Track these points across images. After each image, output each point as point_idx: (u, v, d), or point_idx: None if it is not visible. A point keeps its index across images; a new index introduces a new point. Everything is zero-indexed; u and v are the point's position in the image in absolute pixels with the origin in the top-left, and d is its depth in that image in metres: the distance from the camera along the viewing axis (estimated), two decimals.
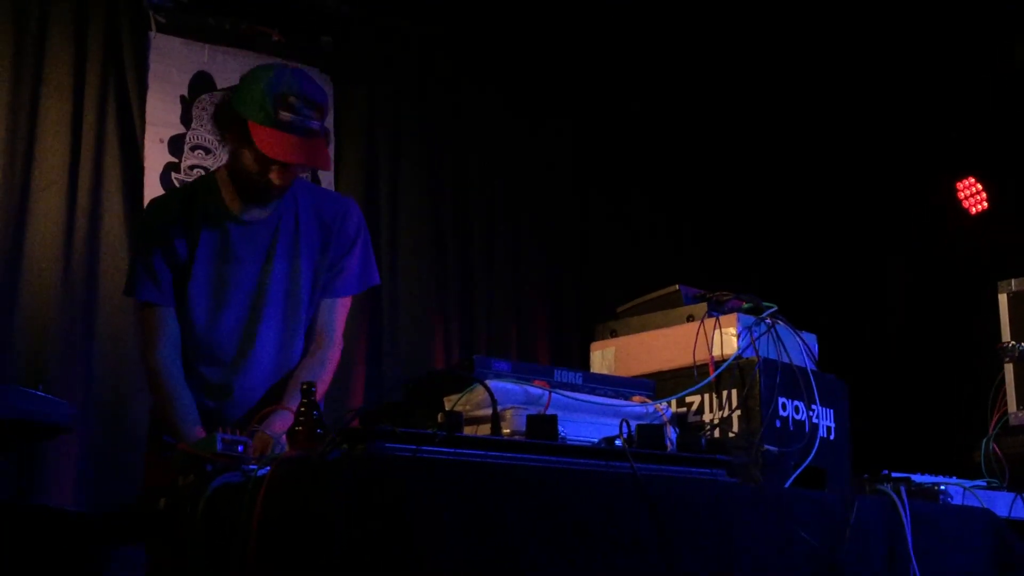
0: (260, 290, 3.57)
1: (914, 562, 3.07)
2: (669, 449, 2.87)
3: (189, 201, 3.59)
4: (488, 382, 2.72)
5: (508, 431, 2.67)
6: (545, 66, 7.09)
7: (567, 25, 6.94)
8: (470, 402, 2.74)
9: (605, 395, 2.99)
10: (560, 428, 2.69)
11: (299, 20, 6.39)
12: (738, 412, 3.21)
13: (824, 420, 3.35)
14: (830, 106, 7.35)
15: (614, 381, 3.10)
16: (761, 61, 7.23)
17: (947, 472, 3.82)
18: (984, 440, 4.20)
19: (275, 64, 3.81)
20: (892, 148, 7.28)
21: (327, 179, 6.35)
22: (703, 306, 3.41)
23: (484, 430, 2.68)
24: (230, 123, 3.48)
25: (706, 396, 3.27)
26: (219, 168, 3.69)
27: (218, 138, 3.64)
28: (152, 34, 5.94)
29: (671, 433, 2.95)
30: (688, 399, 3.29)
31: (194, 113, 6.02)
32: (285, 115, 3.38)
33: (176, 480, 2.77)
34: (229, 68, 6.16)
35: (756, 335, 3.31)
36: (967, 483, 3.74)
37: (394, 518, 2.31)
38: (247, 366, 3.59)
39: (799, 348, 3.40)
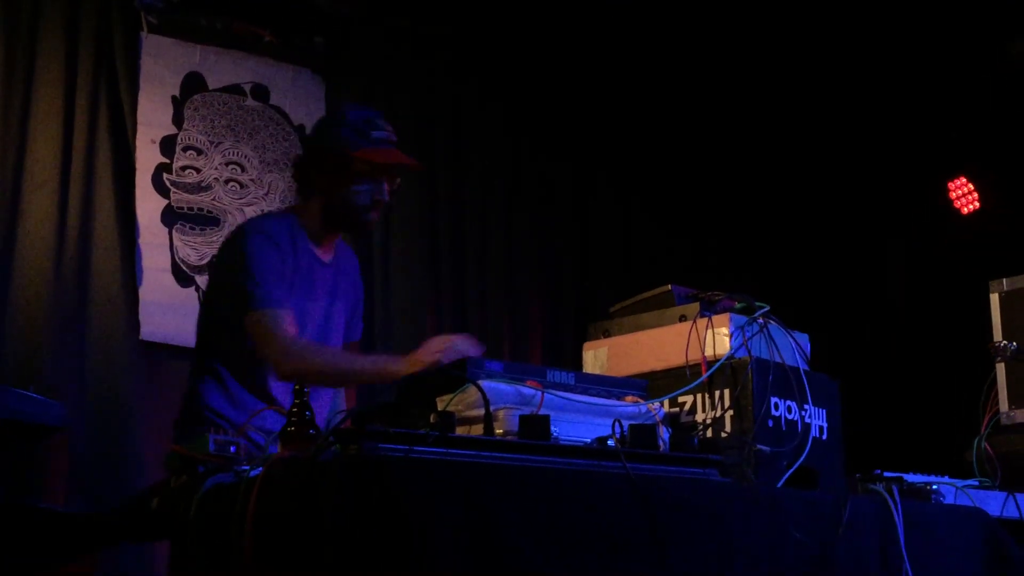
0: (325, 327, 3.86)
1: (906, 561, 3.07)
2: (662, 449, 2.87)
3: (288, 238, 3.81)
4: (480, 382, 2.72)
5: (501, 431, 2.67)
6: (543, 67, 7.09)
7: (567, 25, 6.95)
8: (463, 402, 2.73)
9: (598, 395, 2.99)
10: (553, 428, 2.69)
11: (292, 21, 6.38)
12: (730, 412, 3.21)
13: (816, 420, 3.35)
14: (822, 106, 7.36)
15: (607, 381, 3.09)
16: (756, 62, 7.24)
17: (939, 472, 3.82)
18: (976, 439, 4.20)
19: (338, 109, 4.17)
20: (884, 148, 7.29)
21: None
22: (695, 306, 3.41)
23: (477, 430, 2.68)
24: (322, 164, 3.82)
25: (698, 396, 3.27)
26: (295, 210, 3.93)
27: (296, 188, 3.94)
28: (143, 34, 5.93)
29: (664, 433, 2.95)
30: (681, 399, 3.29)
31: (186, 114, 6.02)
32: (378, 134, 3.81)
33: (168, 480, 2.77)
34: (221, 69, 6.16)
35: (748, 335, 3.31)
36: (959, 482, 3.75)
37: (387, 518, 2.31)
38: (312, 393, 3.71)
39: (791, 348, 3.40)
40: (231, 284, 3.72)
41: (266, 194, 6.20)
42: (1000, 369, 4.42)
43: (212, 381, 3.74)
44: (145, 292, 5.75)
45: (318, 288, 3.85)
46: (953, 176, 7.16)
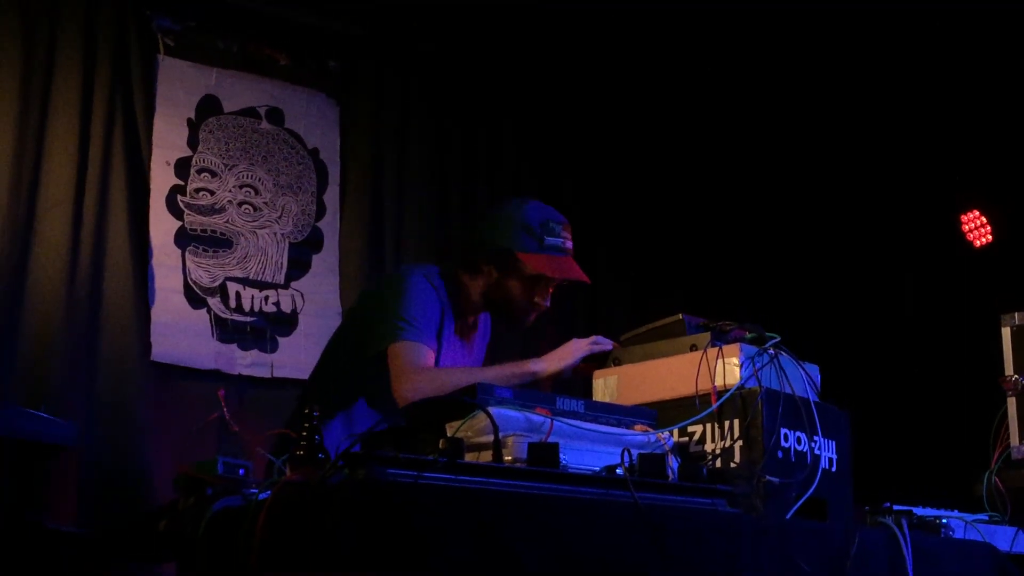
0: None
1: None
2: (671, 478, 2.86)
3: (442, 298, 3.89)
4: (490, 409, 2.72)
5: (510, 458, 2.67)
6: (553, 90, 7.11)
7: (577, 49, 6.97)
8: (472, 429, 2.73)
9: (607, 423, 2.98)
10: (562, 456, 2.68)
11: (306, 44, 6.42)
12: (740, 442, 3.20)
13: (826, 451, 3.35)
14: (837, 137, 7.37)
15: (616, 409, 3.08)
16: (772, 91, 7.25)
17: (949, 505, 3.81)
18: (986, 474, 4.19)
19: (520, 198, 4.09)
20: (897, 180, 7.29)
21: (332, 204, 6.37)
22: (706, 335, 3.41)
23: (486, 457, 2.67)
24: (491, 256, 3.89)
25: (708, 426, 3.27)
26: (466, 277, 3.96)
27: (469, 273, 3.96)
28: (160, 57, 5.97)
29: (673, 462, 2.94)
30: (690, 428, 3.28)
31: (201, 136, 6.04)
32: (552, 240, 3.86)
33: (177, 502, 2.77)
34: (236, 92, 6.19)
35: (759, 365, 3.30)
36: (969, 517, 3.74)
37: (395, 544, 2.30)
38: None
39: (801, 379, 3.39)
40: (371, 322, 3.80)
41: (279, 217, 6.21)
42: (1011, 403, 4.40)
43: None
44: (157, 313, 5.77)
45: (456, 354, 3.97)
46: (966, 209, 7.16)
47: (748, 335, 3.41)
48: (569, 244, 3.92)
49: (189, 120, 6.04)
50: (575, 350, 3.75)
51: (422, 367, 3.71)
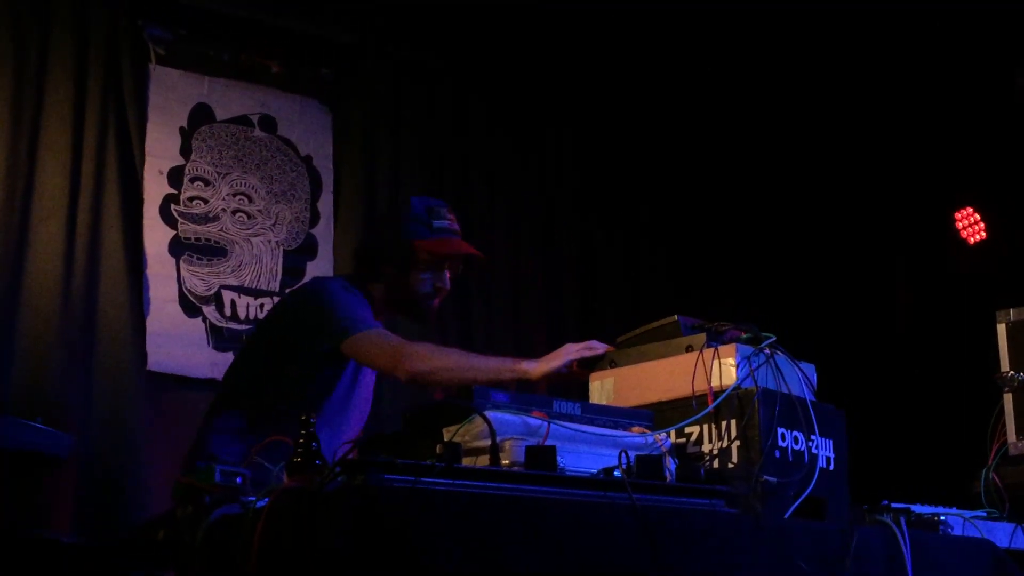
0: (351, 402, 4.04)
1: None
2: (668, 480, 2.87)
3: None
4: (487, 413, 2.72)
5: (507, 462, 2.67)
6: (548, 98, 7.11)
7: (573, 57, 6.98)
8: (469, 433, 2.73)
9: (604, 426, 2.99)
10: (559, 459, 2.69)
11: (299, 52, 6.41)
12: (737, 442, 3.21)
13: (823, 450, 3.35)
14: (830, 137, 7.38)
15: (613, 412, 3.09)
16: (765, 90, 7.27)
17: (947, 502, 3.82)
18: (984, 470, 4.19)
19: (403, 199, 4.32)
20: (891, 178, 7.30)
21: (326, 212, 6.37)
22: (702, 336, 3.41)
23: (483, 461, 2.68)
24: (386, 252, 4.01)
25: (705, 426, 3.27)
26: (368, 284, 4.06)
27: (357, 270, 4.09)
28: (152, 66, 5.96)
29: (670, 464, 2.95)
30: (687, 429, 3.28)
31: (193, 145, 6.04)
32: (440, 223, 4.00)
33: (175, 511, 2.77)
34: (229, 100, 6.18)
35: (755, 365, 3.30)
36: (967, 513, 3.74)
37: (393, 549, 2.31)
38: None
39: (798, 378, 3.39)
40: (311, 326, 3.83)
41: (273, 225, 6.21)
42: (1007, 399, 4.41)
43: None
44: (152, 323, 5.76)
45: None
46: (960, 206, 7.17)
47: (744, 335, 3.41)
48: (456, 226, 4.06)
49: (182, 129, 6.03)
50: (565, 352, 3.76)
51: (408, 343, 3.81)
